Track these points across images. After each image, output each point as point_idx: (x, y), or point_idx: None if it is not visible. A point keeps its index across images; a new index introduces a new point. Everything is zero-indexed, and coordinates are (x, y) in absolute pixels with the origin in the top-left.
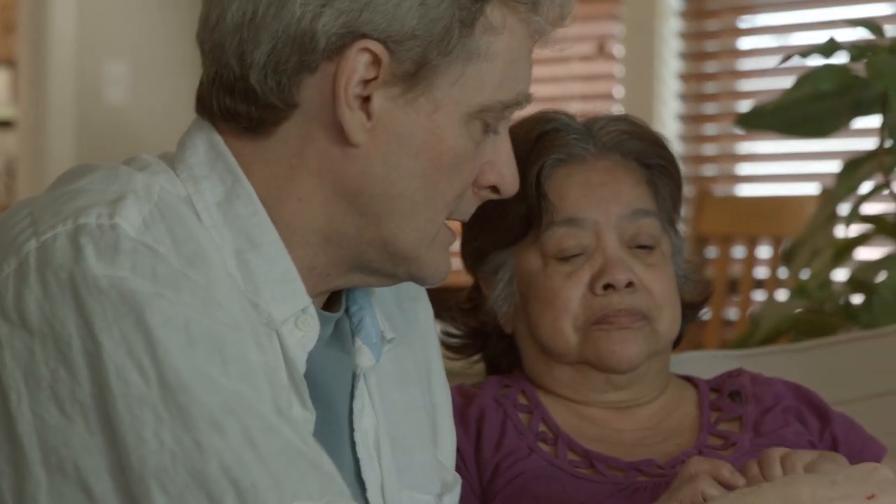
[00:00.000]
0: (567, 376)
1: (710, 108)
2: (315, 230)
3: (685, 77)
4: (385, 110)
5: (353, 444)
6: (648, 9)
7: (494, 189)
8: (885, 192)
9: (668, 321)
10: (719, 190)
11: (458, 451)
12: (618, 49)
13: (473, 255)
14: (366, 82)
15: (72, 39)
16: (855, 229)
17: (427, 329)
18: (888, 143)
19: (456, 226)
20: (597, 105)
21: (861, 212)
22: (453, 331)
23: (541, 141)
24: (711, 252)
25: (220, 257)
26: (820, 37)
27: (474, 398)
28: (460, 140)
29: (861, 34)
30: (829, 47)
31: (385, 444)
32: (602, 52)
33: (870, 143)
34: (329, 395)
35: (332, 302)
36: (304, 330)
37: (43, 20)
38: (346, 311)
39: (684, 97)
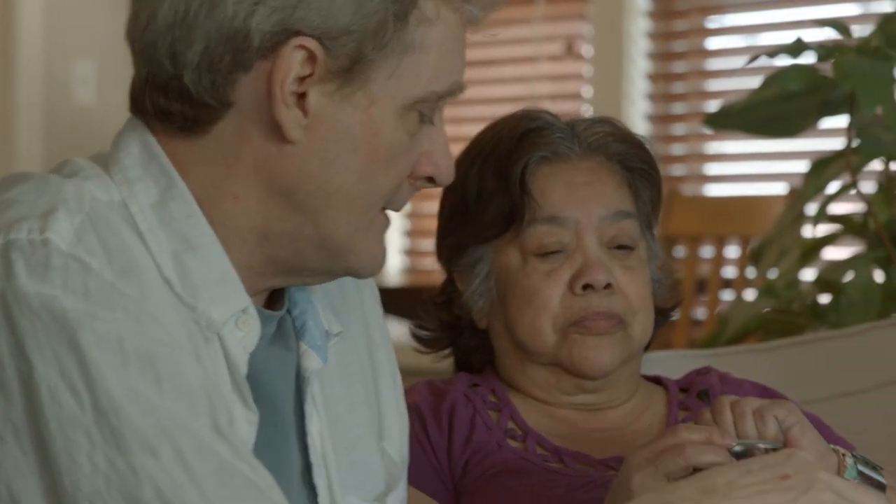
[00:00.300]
0: (539, 376)
1: (678, 108)
2: (252, 228)
3: (654, 77)
4: (321, 106)
5: (305, 447)
6: (617, 9)
7: (430, 179)
8: (853, 191)
9: (642, 326)
10: (688, 190)
11: (432, 445)
12: (586, 49)
13: (451, 249)
14: (301, 79)
15: (39, 38)
16: (822, 229)
17: (371, 314)
18: (855, 143)
19: (430, 224)
20: (566, 105)
21: (828, 212)
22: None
23: (526, 138)
24: (680, 252)
25: (154, 265)
26: (788, 37)
27: (445, 394)
28: (396, 133)
29: (828, 34)
30: (797, 47)
31: (330, 449)
32: (570, 52)
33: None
34: (273, 394)
35: (274, 300)
36: (244, 330)
37: (10, 19)
38: (289, 311)
39: (653, 97)
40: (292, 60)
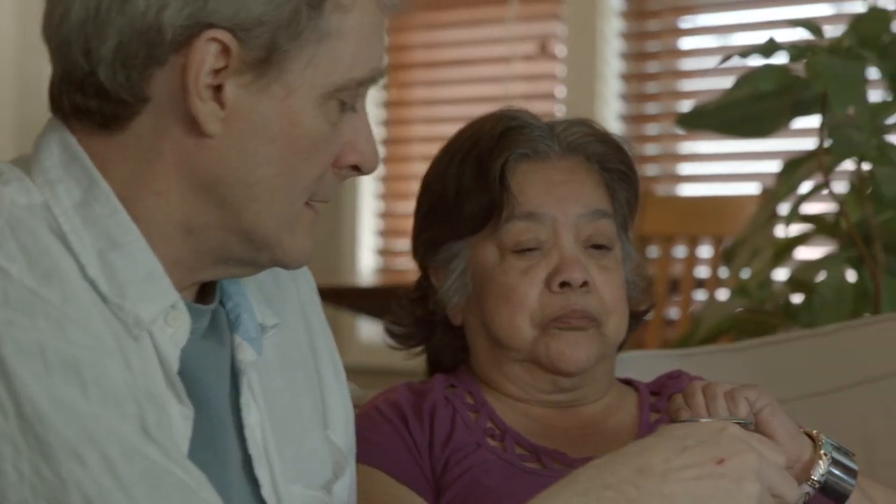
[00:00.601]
0: (515, 373)
1: (651, 108)
2: (176, 223)
3: (627, 77)
4: (238, 98)
5: (243, 440)
6: (590, 9)
7: (356, 168)
8: (825, 191)
9: (616, 325)
10: (661, 189)
11: (414, 441)
12: (560, 49)
13: (427, 244)
14: (216, 72)
15: (13, 40)
16: (795, 229)
17: (308, 304)
18: (827, 143)
19: (405, 224)
20: (539, 105)
21: (801, 212)
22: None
23: (506, 136)
24: (653, 252)
25: (77, 268)
26: (761, 37)
27: (426, 394)
28: (316, 122)
29: (801, 35)
30: (769, 48)
31: (271, 440)
32: (544, 52)
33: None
34: (207, 388)
35: (206, 293)
36: (174, 326)
37: None
38: (222, 304)
39: (626, 97)
40: (205, 53)
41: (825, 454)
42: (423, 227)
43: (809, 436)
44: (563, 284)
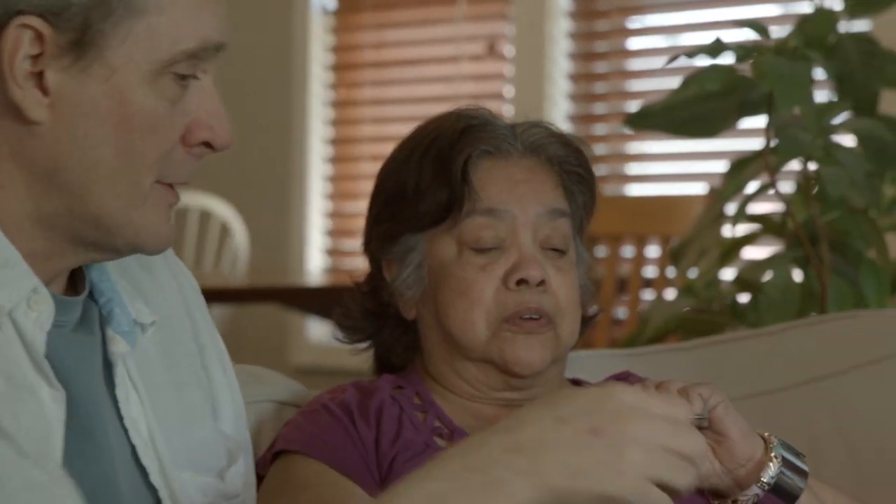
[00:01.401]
0: (468, 372)
1: (599, 108)
2: (26, 215)
3: (575, 77)
4: (61, 83)
5: (125, 430)
6: (538, 9)
7: (207, 145)
8: (771, 191)
9: (570, 327)
10: (609, 189)
11: (361, 438)
12: (508, 49)
13: (383, 237)
14: (34, 58)
15: None
16: (742, 229)
17: (192, 304)
18: (774, 143)
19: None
20: (488, 105)
21: (748, 211)
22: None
23: (469, 132)
24: (601, 251)
25: None
26: (709, 37)
27: (373, 393)
28: (149, 99)
29: (748, 35)
30: (716, 48)
31: (156, 429)
32: (492, 51)
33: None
34: (79, 379)
35: (77, 290)
36: (37, 310)
37: None
38: (94, 298)
39: (574, 97)
40: (19, 41)
41: (776, 456)
42: (378, 219)
43: (761, 437)
44: (521, 282)
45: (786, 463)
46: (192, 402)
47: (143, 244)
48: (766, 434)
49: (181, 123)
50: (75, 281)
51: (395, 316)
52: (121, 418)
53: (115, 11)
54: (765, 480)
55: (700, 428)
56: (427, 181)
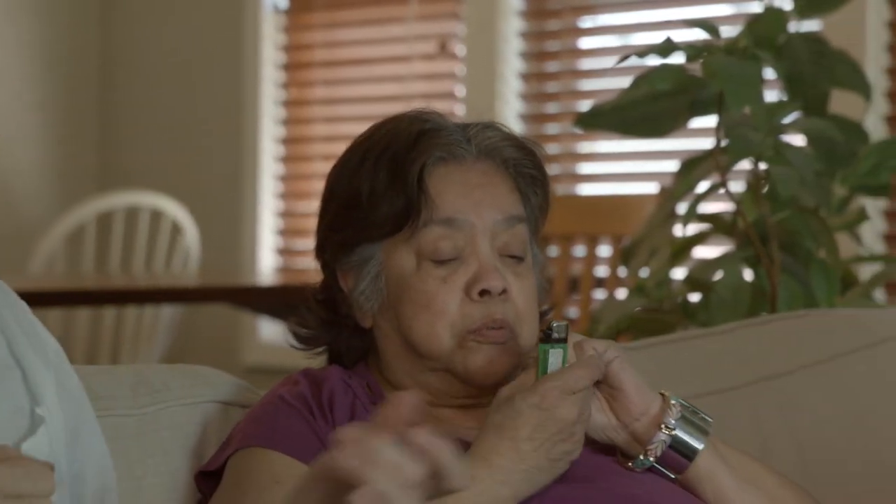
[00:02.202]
0: (428, 381)
1: (551, 107)
2: None
3: (527, 77)
4: None
5: None
6: (490, 8)
7: None
8: (722, 191)
9: (529, 333)
10: (560, 189)
11: (316, 433)
12: (459, 48)
13: (336, 246)
14: None
15: None
16: (692, 228)
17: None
18: (724, 143)
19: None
20: (439, 104)
21: (698, 211)
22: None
23: (423, 138)
24: (553, 251)
25: None
26: (661, 37)
27: (324, 381)
28: None
29: (698, 35)
30: (666, 48)
31: None
32: (444, 51)
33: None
34: None
35: None
36: None
37: None
38: None
39: (526, 97)
40: None
41: (674, 404)
42: (333, 227)
43: (661, 395)
44: (483, 293)
45: (684, 419)
46: None
47: None
48: (666, 394)
49: None
50: None
51: (351, 325)
52: None
53: None
54: (664, 431)
55: (595, 382)
56: (382, 189)
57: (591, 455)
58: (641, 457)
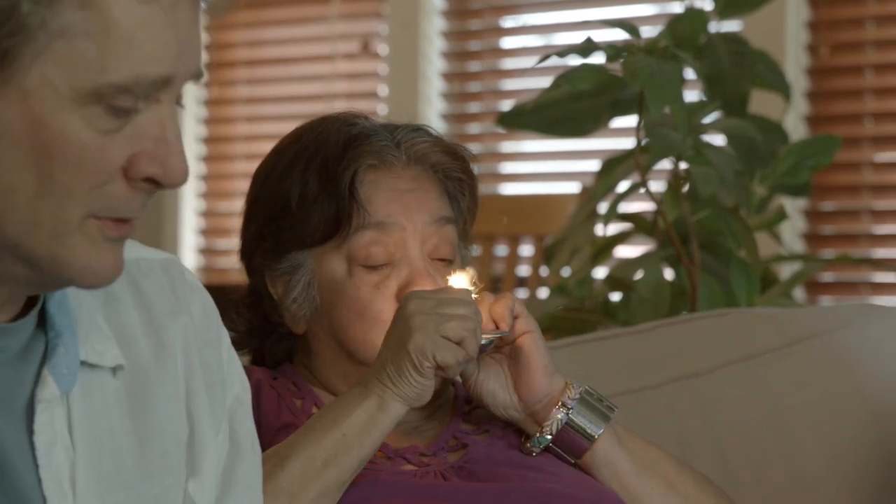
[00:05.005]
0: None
1: (473, 107)
2: None
3: (449, 76)
4: None
5: (40, 480)
6: (412, 7)
7: (152, 181)
8: (643, 190)
9: None
10: (483, 188)
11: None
12: (382, 47)
13: (267, 252)
14: None
15: None
16: (613, 228)
17: (194, 343)
18: (645, 143)
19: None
20: (362, 104)
21: (619, 210)
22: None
23: (352, 144)
24: (475, 250)
25: None
26: (583, 37)
27: (250, 374)
28: (74, 128)
29: (619, 35)
30: (587, 47)
31: (86, 480)
32: (366, 50)
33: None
34: None
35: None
36: None
37: None
38: (45, 331)
39: (448, 96)
40: None
41: (575, 387)
42: (261, 234)
43: (566, 382)
44: None
45: (585, 402)
46: (158, 452)
47: (75, 279)
48: (567, 380)
49: (119, 155)
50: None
51: (281, 330)
52: (37, 467)
53: (26, 30)
54: (560, 409)
55: (497, 347)
56: (312, 196)
57: (506, 451)
58: (538, 434)
